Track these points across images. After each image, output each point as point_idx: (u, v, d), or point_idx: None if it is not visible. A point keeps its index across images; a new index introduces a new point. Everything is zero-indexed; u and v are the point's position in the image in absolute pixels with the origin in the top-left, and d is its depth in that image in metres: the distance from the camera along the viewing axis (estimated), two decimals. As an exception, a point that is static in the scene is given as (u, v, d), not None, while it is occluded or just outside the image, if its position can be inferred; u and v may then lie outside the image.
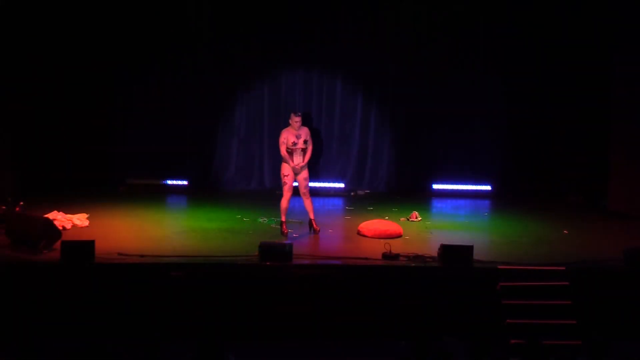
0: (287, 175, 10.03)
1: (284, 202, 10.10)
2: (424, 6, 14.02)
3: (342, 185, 14.19)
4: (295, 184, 10.17)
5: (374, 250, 9.07)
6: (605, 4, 12.96)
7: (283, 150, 10.04)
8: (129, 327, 8.11)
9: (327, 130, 14.36)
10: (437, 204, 13.50)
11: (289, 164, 10.00)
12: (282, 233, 10.01)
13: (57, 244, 8.64)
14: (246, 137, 14.37)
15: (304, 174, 10.09)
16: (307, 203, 10.18)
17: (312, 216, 10.24)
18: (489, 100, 14.15)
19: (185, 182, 13.93)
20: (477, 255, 8.68)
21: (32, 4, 12.85)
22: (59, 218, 10.14)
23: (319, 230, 10.19)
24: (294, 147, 9.99)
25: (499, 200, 13.57)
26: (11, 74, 12.58)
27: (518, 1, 13.87)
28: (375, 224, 10.33)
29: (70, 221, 10.21)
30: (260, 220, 11.14)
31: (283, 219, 10.14)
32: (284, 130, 10.19)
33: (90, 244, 8.38)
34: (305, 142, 10.04)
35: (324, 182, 14.05)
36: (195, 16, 13.86)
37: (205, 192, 13.68)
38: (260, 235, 9.93)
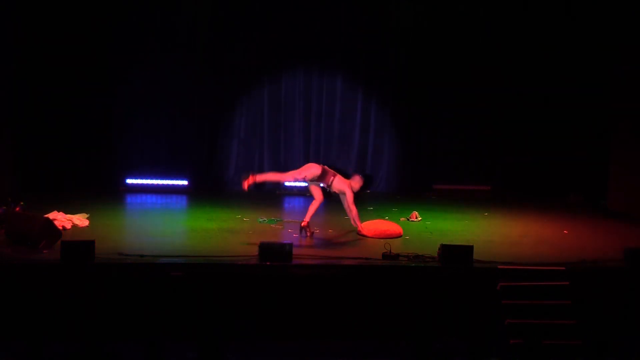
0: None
1: (275, 177, 10.42)
2: (424, 8, 14.03)
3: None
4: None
5: (374, 250, 9.06)
6: (607, 4, 12.98)
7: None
8: (129, 327, 8.11)
9: (327, 131, 14.36)
10: (436, 204, 13.50)
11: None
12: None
13: (57, 244, 8.64)
14: (246, 138, 14.37)
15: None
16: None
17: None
18: (489, 100, 14.17)
19: (185, 182, 13.93)
20: (477, 255, 8.67)
21: (34, 5, 12.89)
22: (59, 218, 10.12)
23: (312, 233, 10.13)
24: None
25: (499, 200, 13.57)
26: (11, 75, 12.59)
27: (517, 2, 13.89)
28: (375, 224, 10.32)
29: (70, 221, 10.20)
30: (260, 220, 11.13)
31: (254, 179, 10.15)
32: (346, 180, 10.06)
33: (90, 244, 8.37)
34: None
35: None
36: (195, 15, 13.86)
37: (205, 192, 13.68)
38: (260, 235, 9.93)
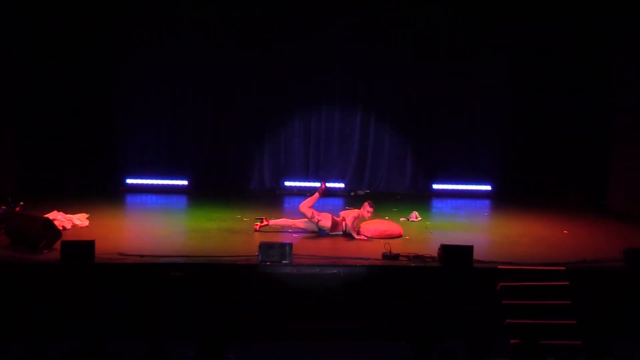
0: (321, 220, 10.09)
1: (287, 222, 10.33)
2: (425, 6, 14.03)
3: (342, 185, 14.19)
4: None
5: (374, 250, 9.07)
6: (606, 4, 12.97)
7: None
8: (129, 327, 8.11)
9: (327, 131, 14.36)
10: (437, 204, 13.51)
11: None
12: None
13: (57, 244, 8.64)
14: (246, 137, 14.36)
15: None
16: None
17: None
18: (490, 101, 14.18)
19: (185, 182, 13.94)
20: (477, 255, 8.67)
21: (36, 5, 12.90)
22: (59, 218, 10.13)
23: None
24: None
25: (499, 200, 13.57)
26: (12, 75, 12.59)
27: (516, 2, 13.89)
28: (375, 224, 10.32)
29: (70, 221, 10.20)
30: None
31: (267, 223, 10.28)
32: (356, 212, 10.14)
33: (90, 244, 8.38)
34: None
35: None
36: (193, 21, 13.90)
37: (205, 192, 13.68)
38: (260, 235, 9.93)
